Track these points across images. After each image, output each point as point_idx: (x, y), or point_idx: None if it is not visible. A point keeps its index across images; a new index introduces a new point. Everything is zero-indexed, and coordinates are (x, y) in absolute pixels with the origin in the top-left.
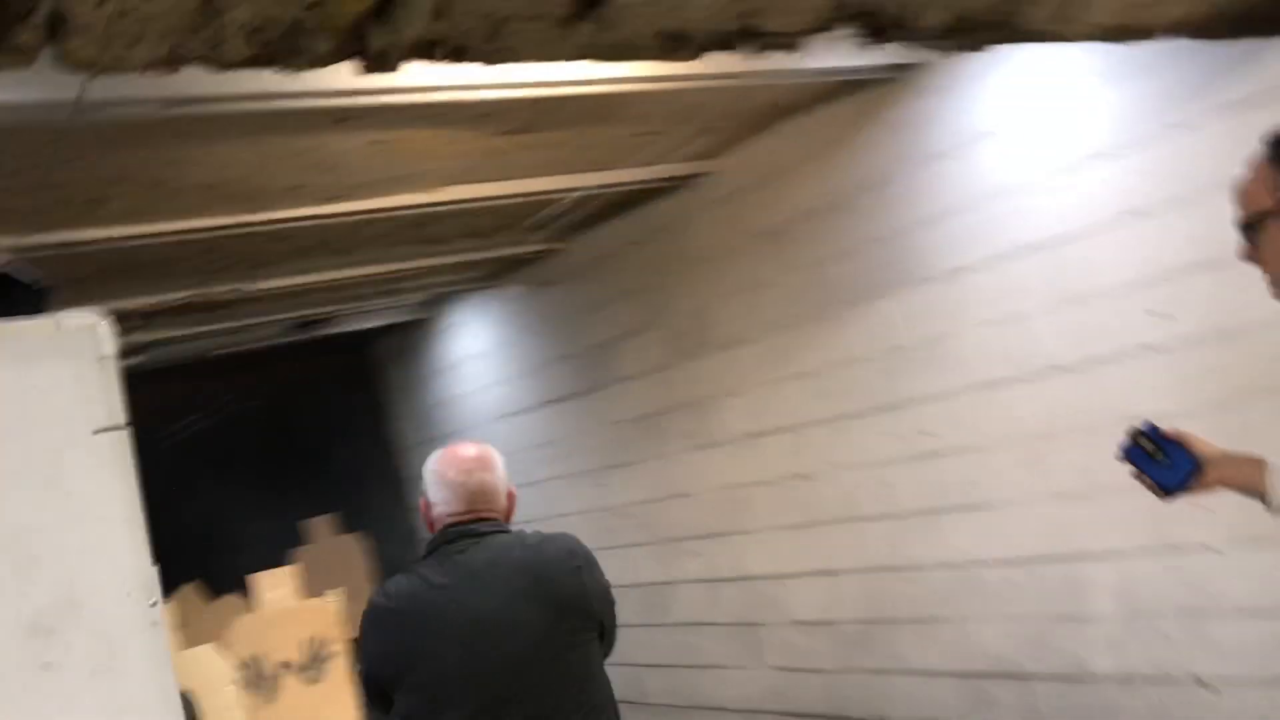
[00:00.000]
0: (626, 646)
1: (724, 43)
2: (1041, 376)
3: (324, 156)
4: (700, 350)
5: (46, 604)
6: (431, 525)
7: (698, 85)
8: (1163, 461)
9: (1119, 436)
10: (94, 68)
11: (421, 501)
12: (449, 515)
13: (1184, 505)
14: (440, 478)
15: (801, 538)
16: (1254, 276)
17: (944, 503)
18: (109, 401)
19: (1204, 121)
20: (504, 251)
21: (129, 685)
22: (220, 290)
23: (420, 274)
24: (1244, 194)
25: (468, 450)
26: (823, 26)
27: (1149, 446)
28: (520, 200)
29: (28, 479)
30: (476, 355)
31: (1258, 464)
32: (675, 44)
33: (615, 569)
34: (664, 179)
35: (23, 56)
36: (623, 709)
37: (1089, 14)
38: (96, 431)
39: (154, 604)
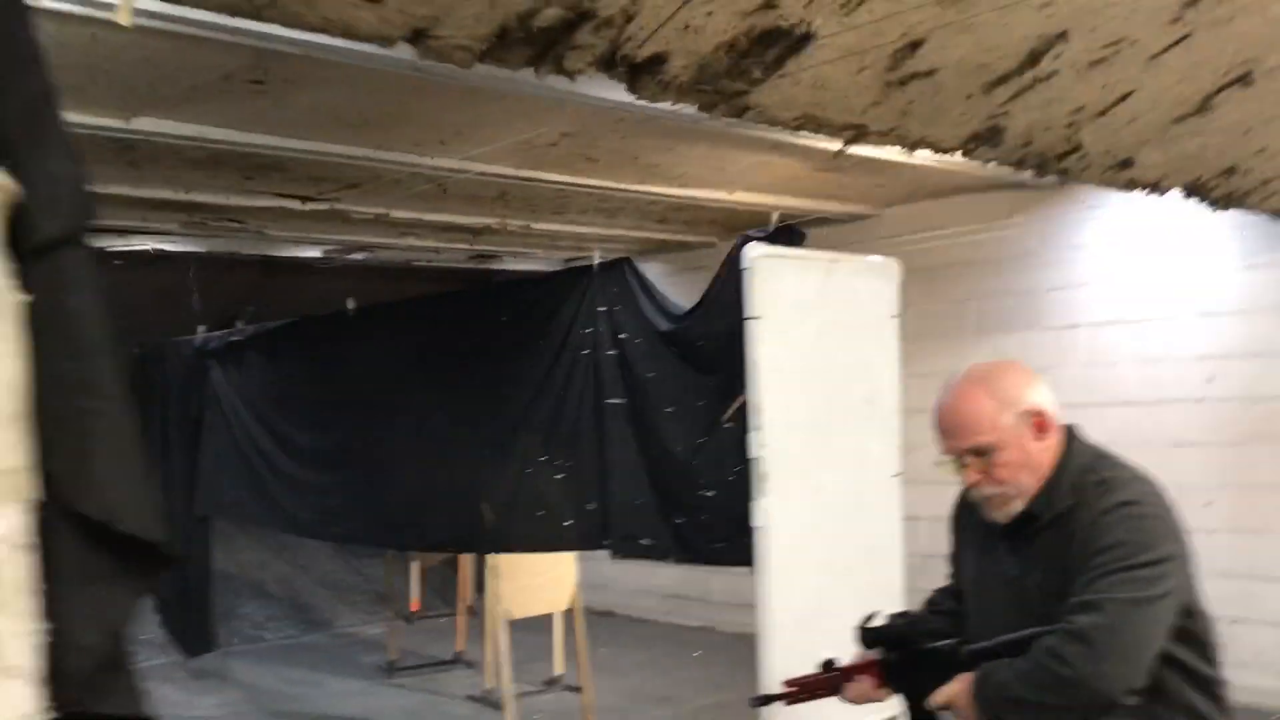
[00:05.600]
0: None
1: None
2: (1115, 407)
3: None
4: None
5: (870, 392)
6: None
7: (934, 166)
8: None
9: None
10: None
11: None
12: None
13: None
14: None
15: None
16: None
17: None
18: (891, 300)
19: (1268, 265)
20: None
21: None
22: None
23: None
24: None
25: None
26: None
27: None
28: (742, 208)
29: (862, 333)
30: None
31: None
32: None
33: None
34: (843, 213)
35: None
36: None
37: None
38: (892, 316)
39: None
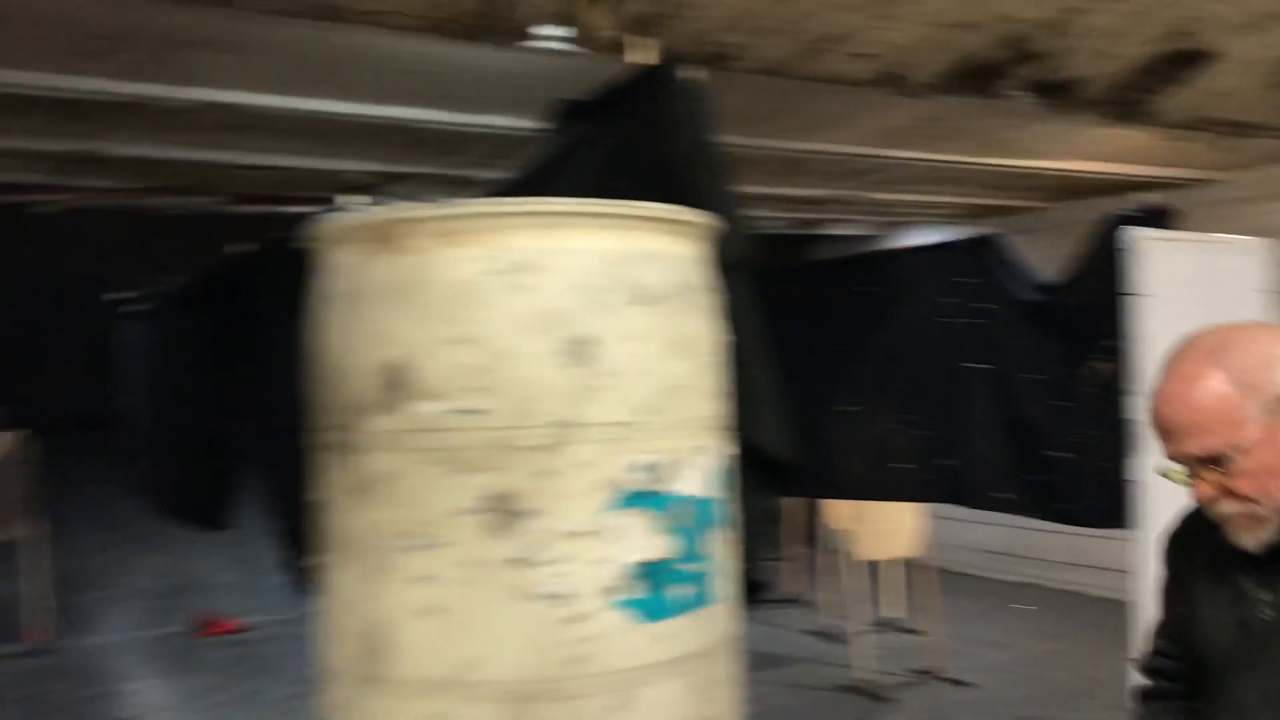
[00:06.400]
0: None
1: None
2: None
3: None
4: None
5: None
6: None
7: None
8: None
9: None
10: None
11: None
12: None
13: None
14: None
15: None
16: None
17: None
18: (1263, 277)
19: None
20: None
21: None
22: None
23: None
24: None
25: None
26: None
27: None
28: (1079, 175)
29: (1235, 308)
30: None
31: None
32: None
33: None
34: (1185, 178)
35: None
36: None
37: None
38: (1263, 292)
39: None
